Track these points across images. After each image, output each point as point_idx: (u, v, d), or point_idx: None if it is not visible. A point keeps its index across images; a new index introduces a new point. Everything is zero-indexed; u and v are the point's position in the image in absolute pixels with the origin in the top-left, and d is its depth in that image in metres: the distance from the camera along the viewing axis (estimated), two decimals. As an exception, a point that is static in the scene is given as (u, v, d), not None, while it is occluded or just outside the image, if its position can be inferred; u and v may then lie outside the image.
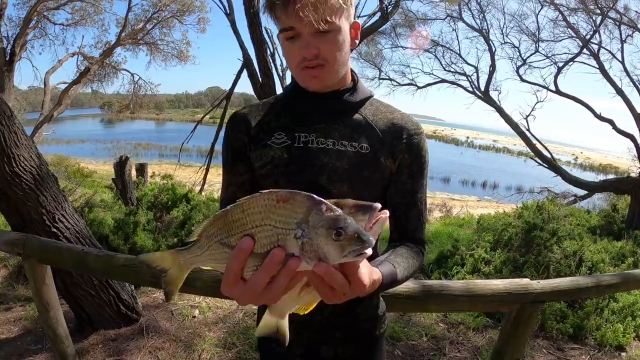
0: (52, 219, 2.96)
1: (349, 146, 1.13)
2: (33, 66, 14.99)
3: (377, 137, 1.15)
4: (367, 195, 1.08)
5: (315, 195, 0.68)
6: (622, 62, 10.69)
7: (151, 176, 7.32)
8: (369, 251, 0.67)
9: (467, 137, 76.74)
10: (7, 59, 12.11)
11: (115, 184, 6.09)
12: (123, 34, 14.33)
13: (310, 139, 1.14)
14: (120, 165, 5.69)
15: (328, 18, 1.01)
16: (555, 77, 10.78)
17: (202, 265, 0.78)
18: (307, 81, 1.11)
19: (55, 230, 2.96)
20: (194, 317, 3.74)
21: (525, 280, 2.10)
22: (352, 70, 1.21)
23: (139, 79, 16.42)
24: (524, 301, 2.06)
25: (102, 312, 3.36)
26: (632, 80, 10.46)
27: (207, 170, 7.12)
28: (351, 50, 1.15)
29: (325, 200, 0.68)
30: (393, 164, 1.16)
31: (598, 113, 10.00)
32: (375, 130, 1.16)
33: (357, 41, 1.16)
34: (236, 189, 1.21)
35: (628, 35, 10.89)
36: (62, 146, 28.51)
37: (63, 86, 14.62)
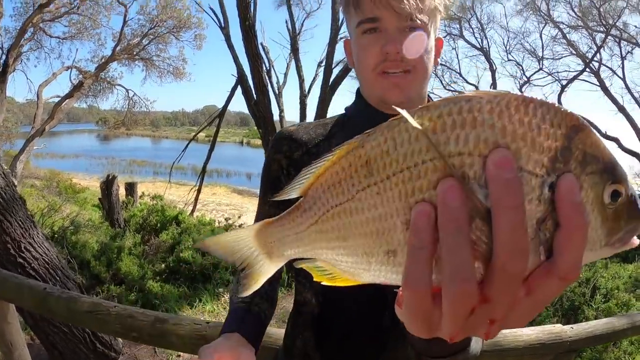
0: (17, 247, 2.64)
1: None
2: (27, 79, 14.83)
3: None
4: None
5: None
6: (623, 79, 10.61)
7: (140, 196, 7.01)
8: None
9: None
10: (0, 70, 11.84)
11: (101, 204, 5.77)
12: (118, 48, 14.14)
13: None
14: (107, 185, 5.39)
15: (423, 15, 0.83)
16: (559, 95, 10.65)
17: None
18: (386, 90, 0.87)
19: (21, 260, 2.65)
20: (179, 356, 3.41)
21: (558, 327, 1.89)
22: (428, 93, 0.97)
23: (133, 95, 16.19)
24: (558, 351, 1.85)
25: (76, 350, 3.03)
26: (633, 96, 10.35)
27: (198, 191, 6.78)
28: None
29: None
30: None
31: (604, 132, 9.82)
32: None
33: (439, 60, 0.96)
34: None
35: (628, 52, 10.81)
36: (57, 160, 28.18)
37: (57, 100, 14.36)
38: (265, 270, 0.50)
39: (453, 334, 0.36)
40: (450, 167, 0.32)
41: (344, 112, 1.03)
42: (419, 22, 0.83)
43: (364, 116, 0.95)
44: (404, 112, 0.33)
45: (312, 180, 0.41)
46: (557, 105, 0.33)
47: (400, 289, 0.38)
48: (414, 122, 0.32)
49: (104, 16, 14.50)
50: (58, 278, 2.80)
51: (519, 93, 0.33)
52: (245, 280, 0.52)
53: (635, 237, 0.36)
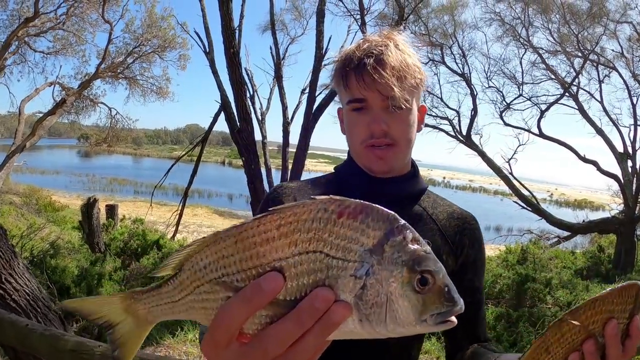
0: (-2, 279, 2.58)
1: None
2: (10, 92, 14.57)
3: (438, 233, 1.03)
4: None
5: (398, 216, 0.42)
6: (601, 102, 10.87)
7: (122, 219, 6.92)
8: (455, 320, 0.42)
9: (444, 178, 76.54)
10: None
11: (82, 227, 5.68)
12: (103, 66, 14.06)
13: None
14: (88, 208, 5.31)
15: (407, 96, 0.92)
16: (539, 120, 10.86)
17: (176, 317, 0.50)
18: (371, 162, 0.98)
19: (1, 292, 2.59)
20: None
21: None
22: (412, 159, 1.08)
23: (116, 114, 16.05)
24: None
25: (55, 382, 2.95)
26: (611, 119, 10.61)
27: (180, 215, 6.73)
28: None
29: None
30: (455, 261, 1.03)
31: (582, 155, 10.02)
32: (436, 224, 1.04)
33: (422, 126, 1.05)
34: None
35: (605, 76, 11.10)
36: (36, 176, 27.64)
37: (39, 115, 14.16)
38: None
39: None
40: (589, 333, 0.66)
41: (335, 171, 1.10)
42: (400, 101, 0.91)
43: (356, 178, 1.02)
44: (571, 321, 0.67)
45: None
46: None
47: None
48: (575, 322, 0.65)
49: (89, 33, 14.43)
50: (39, 309, 2.74)
51: (614, 287, 0.66)
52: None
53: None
